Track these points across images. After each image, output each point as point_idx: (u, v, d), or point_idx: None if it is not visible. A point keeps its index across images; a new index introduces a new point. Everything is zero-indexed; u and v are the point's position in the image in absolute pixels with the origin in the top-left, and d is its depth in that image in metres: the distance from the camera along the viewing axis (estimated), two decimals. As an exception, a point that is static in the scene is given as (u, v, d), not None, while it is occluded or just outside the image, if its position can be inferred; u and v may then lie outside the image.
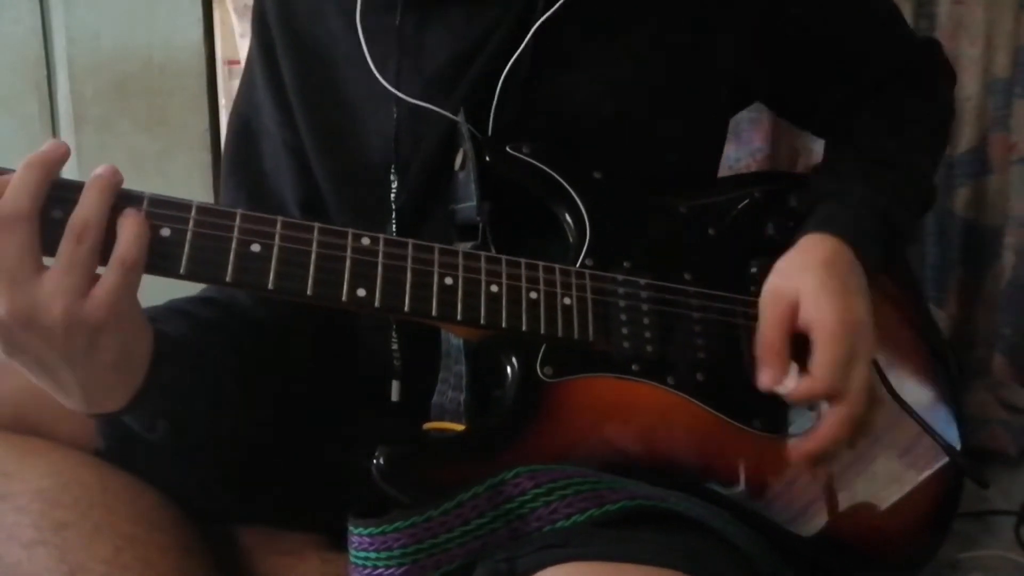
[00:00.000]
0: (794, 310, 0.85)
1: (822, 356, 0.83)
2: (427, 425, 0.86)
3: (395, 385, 0.92)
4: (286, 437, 0.96)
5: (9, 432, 0.86)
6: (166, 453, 0.90)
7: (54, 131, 1.75)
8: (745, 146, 1.75)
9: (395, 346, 0.91)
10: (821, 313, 0.84)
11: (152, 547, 0.84)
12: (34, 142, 1.76)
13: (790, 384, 0.83)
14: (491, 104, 0.88)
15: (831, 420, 0.84)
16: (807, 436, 0.85)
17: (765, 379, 0.84)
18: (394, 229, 0.90)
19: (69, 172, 1.96)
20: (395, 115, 0.91)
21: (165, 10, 1.74)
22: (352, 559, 0.75)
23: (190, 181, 1.76)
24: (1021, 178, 1.77)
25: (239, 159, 1.02)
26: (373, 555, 0.73)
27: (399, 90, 0.91)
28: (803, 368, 0.84)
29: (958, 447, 0.97)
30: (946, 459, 0.95)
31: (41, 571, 0.80)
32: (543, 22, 0.88)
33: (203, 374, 0.83)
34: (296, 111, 0.96)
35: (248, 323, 0.92)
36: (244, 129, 1.02)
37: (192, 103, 1.74)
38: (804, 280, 0.86)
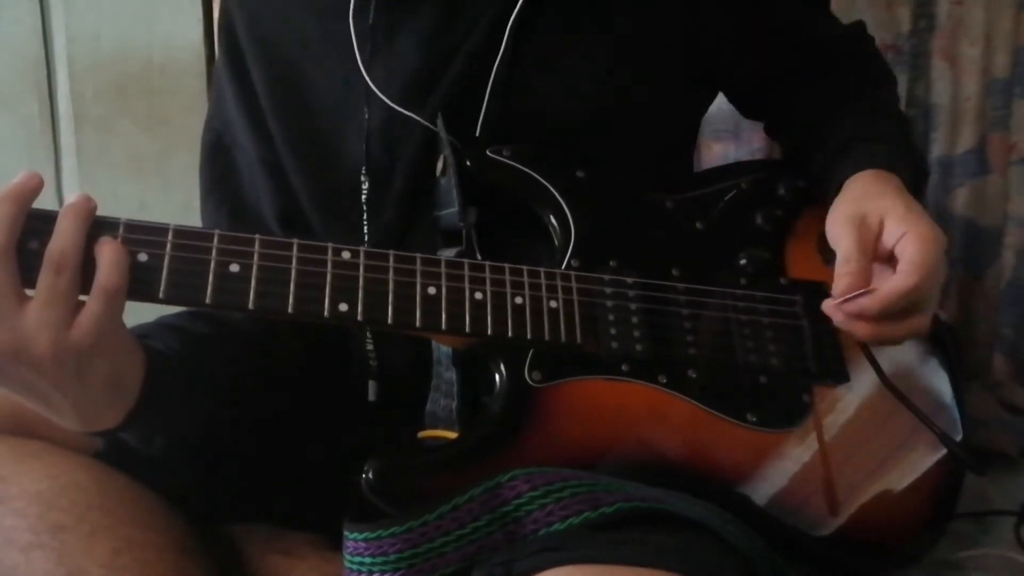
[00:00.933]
0: (878, 232, 0.84)
1: (918, 254, 0.82)
2: (421, 433, 0.86)
3: (372, 385, 0.92)
4: (283, 441, 0.96)
5: (6, 435, 0.86)
6: (165, 454, 0.90)
7: (54, 131, 1.75)
8: (745, 145, 1.75)
9: (370, 347, 0.91)
10: (915, 225, 0.83)
11: (150, 549, 0.84)
12: (34, 142, 1.78)
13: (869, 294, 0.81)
14: (469, 108, 0.88)
15: (893, 283, 0.81)
16: (871, 297, 0.81)
17: (841, 285, 0.81)
18: (365, 233, 0.90)
19: (69, 172, 1.97)
20: (367, 115, 0.90)
21: (165, 10, 1.74)
22: (347, 564, 0.75)
23: (190, 181, 1.76)
24: (1021, 178, 1.77)
25: (216, 176, 1.01)
26: (368, 560, 0.73)
27: (370, 93, 0.90)
28: None
29: (959, 436, 0.97)
30: (946, 450, 0.95)
31: (39, 574, 0.80)
32: (519, 22, 0.88)
33: (196, 388, 0.83)
34: (269, 121, 0.95)
35: (239, 334, 0.92)
36: (217, 145, 1.01)
37: (192, 103, 1.74)
38: (888, 203, 0.85)
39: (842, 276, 0.82)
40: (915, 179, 0.95)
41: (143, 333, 0.82)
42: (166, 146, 1.74)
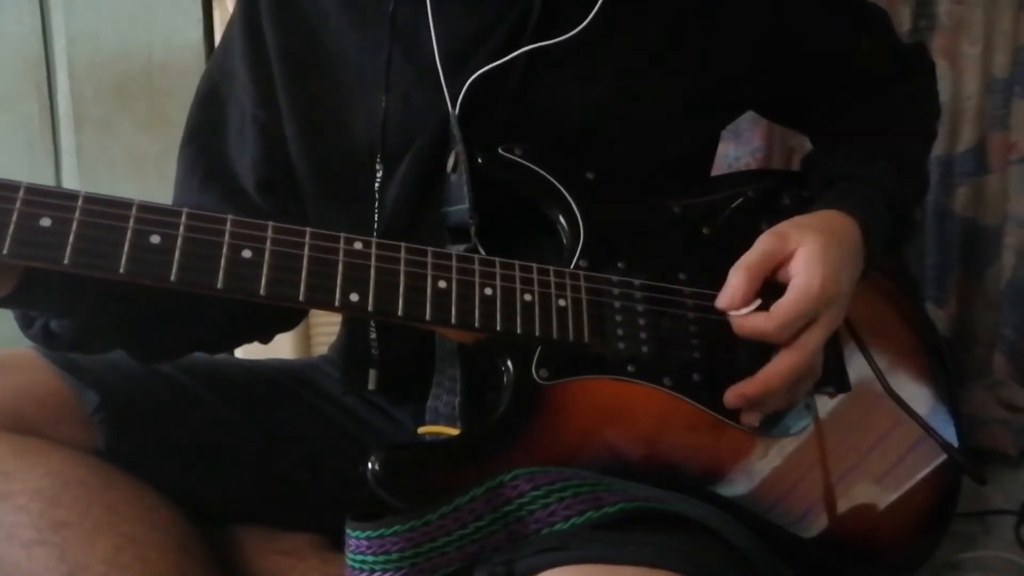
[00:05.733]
0: (785, 257, 0.85)
1: (787, 304, 0.83)
2: (422, 429, 0.86)
3: (372, 374, 0.91)
4: (285, 439, 0.96)
5: (9, 432, 0.86)
6: (167, 452, 0.90)
7: (54, 131, 1.76)
8: (745, 145, 1.75)
9: (373, 335, 0.91)
10: (808, 271, 0.84)
11: (152, 546, 0.85)
12: (34, 142, 1.78)
13: (744, 311, 0.83)
14: (485, 105, 0.88)
15: (771, 367, 0.84)
16: (746, 381, 0.84)
17: (723, 298, 0.84)
18: (375, 218, 0.90)
19: (69, 172, 1.96)
20: (383, 103, 0.89)
21: (165, 10, 1.74)
22: (349, 562, 0.75)
23: (190, 181, 1.76)
24: (1021, 178, 1.77)
25: (201, 125, 0.99)
26: (371, 558, 0.73)
27: (389, 79, 0.90)
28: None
29: (955, 446, 0.97)
30: (944, 457, 0.95)
31: (40, 570, 0.80)
32: (538, 24, 0.88)
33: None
34: (279, 86, 0.94)
35: None
36: (211, 95, 0.99)
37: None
38: (808, 238, 0.86)
39: (726, 287, 0.84)
40: (896, 224, 0.96)
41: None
42: (166, 146, 1.74)
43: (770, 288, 0.85)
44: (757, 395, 0.83)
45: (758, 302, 0.84)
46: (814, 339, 0.84)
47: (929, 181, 1.06)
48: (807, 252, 0.84)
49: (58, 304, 0.79)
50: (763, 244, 0.85)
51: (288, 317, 1.00)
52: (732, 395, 0.83)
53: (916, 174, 1.03)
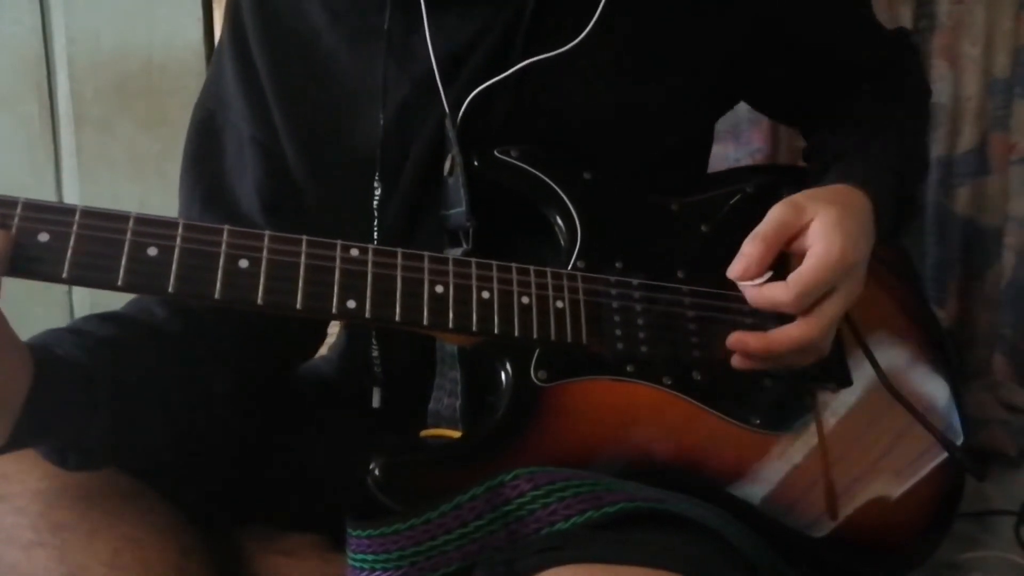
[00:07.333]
0: (801, 227, 0.83)
1: (805, 274, 0.81)
2: (424, 432, 0.86)
3: (376, 392, 0.92)
4: (284, 442, 0.96)
5: (8, 432, 0.86)
6: (166, 453, 0.90)
7: (54, 131, 1.75)
8: (745, 146, 1.75)
9: (375, 353, 0.91)
10: (826, 240, 0.82)
11: (151, 548, 0.84)
12: (34, 142, 1.78)
13: (758, 282, 0.82)
14: (481, 108, 0.88)
15: (782, 331, 0.82)
16: (754, 334, 0.83)
17: (737, 267, 0.82)
18: (375, 235, 0.90)
19: (69, 172, 1.96)
20: (381, 120, 0.89)
21: (165, 10, 1.74)
22: (350, 561, 0.75)
23: (190, 181, 1.76)
24: (1021, 178, 1.77)
25: (199, 154, 0.98)
26: (371, 557, 0.73)
27: (385, 92, 0.90)
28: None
29: (959, 441, 0.97)
30: (946, 455, 0.95)
31: (40, 572, 0.80)
32: (530, 26, 0.88)
33: (100, 395, 0.77)
34: (273, 107, 0.94)
35: (156, 335, 0.87)
36: (207, 124, 0.99)
37: (192, 103, 1.74)
38: (823, 209, 0.84)
39: (739, 256, 0.83)
40: (901, 201, 0.94)
41: (34, 342, 0.77)
42: (166, 146, 1.74)
43: (782, 262, 0.84)
44: (758, 351, 0.82)
45: (770, 273, 0.82)
46: (832, 310, 0.82)
47: (929, 161, 1.05)
48: (823, 222, 0.83)
49: (71, 420, 0.76)
50: (778, 214, 0.83)
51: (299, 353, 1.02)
52: (734, 339, 0.83)
53: (917, 152, 1.02)
